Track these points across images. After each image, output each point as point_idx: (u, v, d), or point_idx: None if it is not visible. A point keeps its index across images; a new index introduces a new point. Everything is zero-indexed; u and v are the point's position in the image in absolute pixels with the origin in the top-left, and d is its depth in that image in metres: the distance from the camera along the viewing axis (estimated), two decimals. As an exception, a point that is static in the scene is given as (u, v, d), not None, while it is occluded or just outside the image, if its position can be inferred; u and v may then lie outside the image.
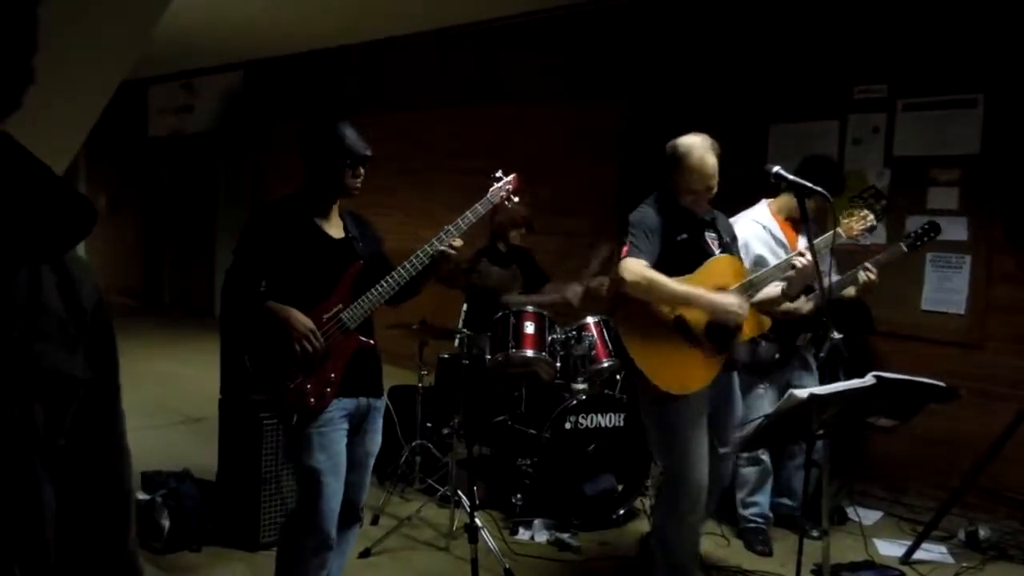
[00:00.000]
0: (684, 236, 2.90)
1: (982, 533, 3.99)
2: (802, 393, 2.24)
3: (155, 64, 8.81)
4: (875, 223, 3.36)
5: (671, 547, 2.97)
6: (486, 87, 6.88)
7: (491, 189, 2.81)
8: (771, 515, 3.91)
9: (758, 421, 2.63)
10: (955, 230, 4.55)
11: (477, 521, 3.17)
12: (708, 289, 2.85)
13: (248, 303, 2.56)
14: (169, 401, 5.44)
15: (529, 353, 3.91)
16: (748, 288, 2.94)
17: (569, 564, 3.57)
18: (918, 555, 3.76)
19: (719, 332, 2.88)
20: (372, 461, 2.75)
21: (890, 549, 3.86)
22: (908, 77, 4.63)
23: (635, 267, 2.77)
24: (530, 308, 4.03)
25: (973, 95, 4.43)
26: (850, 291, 3.63)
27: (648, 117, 5.61)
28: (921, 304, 4.59)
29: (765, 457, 3.85)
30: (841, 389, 2.26)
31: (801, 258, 2.92)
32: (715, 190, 2.96)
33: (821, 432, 2.45)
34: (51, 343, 1.01)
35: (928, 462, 4.58)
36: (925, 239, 3.60)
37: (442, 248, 2.63)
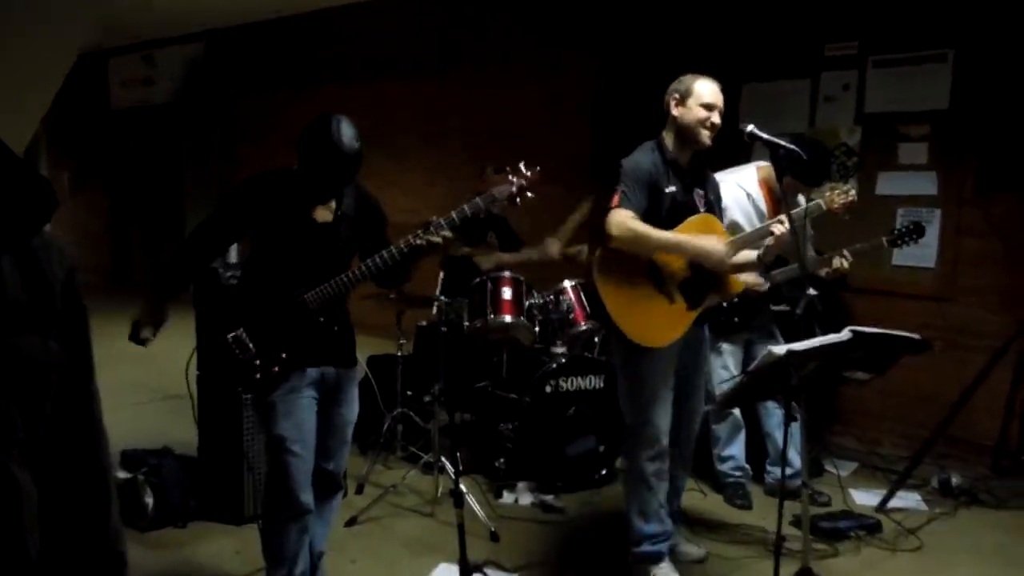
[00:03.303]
0: (673, 189, 2.87)
1: (954, 480, 4.09)
2: (780, 350, 2.26)
3: (114, 35, 8.60)
4: (855, 198, 3.33)
5: (632, 501, 3.02)
6: (456, 51, 6.80)
7: (499, 187, 2.61)
8: (748, 467, 3.98)
9: (737, 379, 2.66)
10: (925, 185, 4.61)
11: (462, 486, 3.20)
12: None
13: (190, 265, 2.64)
14: (146, 378, 5.39)
15: (507, 319, 3.91)
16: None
17: (554, 525, 3.62)
18: (893, 503, 3.85)
19: (693, 287, 2.90)
20: (350, 430, 2.76)
21: (865, 498, 3.95)
22: (878, 34, 4.64)
23: (623, 219, 2.74)
24: (507, 273, 4.03)
25: (943, 50, 4.46)
26: (821, 272, 3.69)
27: (620, 79, 5.59)
28: (892, 259, 4.65)
29: (735, 410, 3.89)
30: (818, 344, 2.29)
31: (780, 226, 2.94)
32: (717, 129, 2.89)
33: (798, 387, 2.49)
34: (18, 334, 0.99)
35: (900, 413, 4.68)
36: (908, 239, 3.66)
37: (431, 239, 2.53)
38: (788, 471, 3.93)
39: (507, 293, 3.95)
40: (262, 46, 8.45)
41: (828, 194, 3.24)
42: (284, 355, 2.53)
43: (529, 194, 2.60)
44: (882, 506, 3.84)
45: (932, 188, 4.59)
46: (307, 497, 2.59)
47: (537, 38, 6.23)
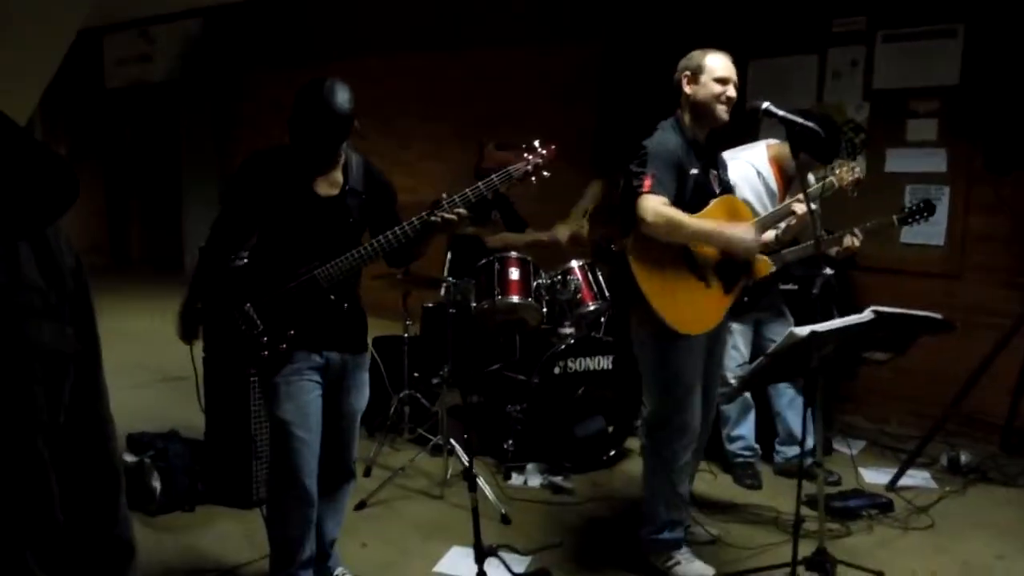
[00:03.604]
0: (695, 171, 2.79)
1: (963, 458, 4.08)
2: (803, 331, 2.23)
3: (110, 12, 8.46)
4: (862, 174, 3.29)
5: (657, 490, 2.97)
6: (458, 32, 6.71)
7: (515, 165, 2.50)
8: (757, 447, 3.97)
9: (757, 361, 2.64)
10: (934, 162, 4.58)
11: (464, 460, 3.18)
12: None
13: (218, 263, 2.58)
14: (148, 359, 5.36)
15: (515, 299, 3.88)
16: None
17: (565, 507, 3.61)
18: (903, 481, 3.85)
19: (727, 271, 2.84)
20: (359, 418, 2.71)
21: (875, 477, 3.94)
22: (887, 8, 4.58)
23: (656, 206, 2.62)
24: (514, 254, 3.99)
25: (953, 25, 4.40)
26: (831, 251, 3.66)
27: (624, 58, 5.51)
28: (901, 237, 4.62)
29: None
30: (841, 325, 2.26)
31: (800, 205, 2.90)
32: (733, 103, 2.82)
33: (818, 369, 2.46)
34: (40, 320, 0.97)
35: (908, 392, 4.67)
36: (918, 217, 3.59)
37: (446, 216, 2.46)
38: (798, 450, 3.94)
39: (515, 273, 3.91)
40: (262, 23, 8.35)
41: (838, 171, 3.20)
42: (292, 332, 2.47)
43: (545, 173, 2.51)
44: (892, 485, 3.84)
45: (942, 165, 4.55)
46: (311, 482, 2.54)
47: (539, 18, 6.15)
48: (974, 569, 3.10)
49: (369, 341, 2.73)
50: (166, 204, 9.70)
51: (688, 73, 2.80)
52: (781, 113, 2.79)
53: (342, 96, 2.39)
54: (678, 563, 2.94)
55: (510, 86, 6.32)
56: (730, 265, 2.85)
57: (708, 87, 2.77)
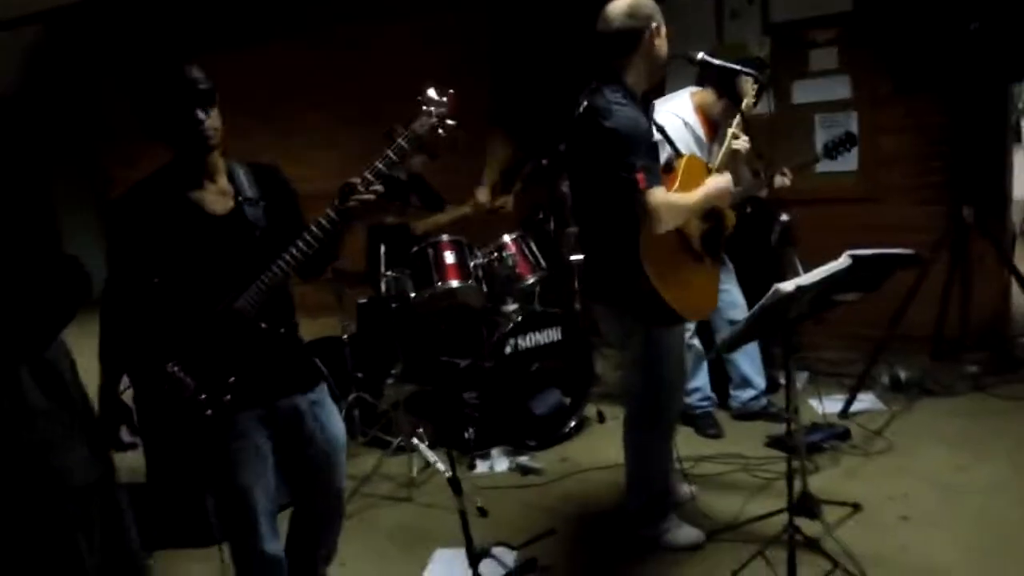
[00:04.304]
0: (654, 139, 2.64)
1: (902, 375, 4.23)
2: (788, 286, 2.19)
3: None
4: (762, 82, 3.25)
5: (650, 473, 2.90)
6: (340, 11, 6.36)
7: (418, 122, 2.19)
8: (714, 395, 3.99)
9: (740, 323, 2.60)
10: (839, 88, 4.65)
11: (440, 465, 3.05)
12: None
13: (123, 329, 2.16)
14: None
15: (455, 283, 3.73)
16: None
17: (537, 488, 3.53)
18: (853, 407, 3.95)
19: (711, 238, 2.75)
20: (341, 449, 2.42)
21: (825, 406, 4.02)
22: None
23: (662, 201, 2.43)
24: (446, 237, 3.83)
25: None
26: (761, 192, 3.67)
27: (515, 22, 5.34)
28: (816, 167, 4.68)
29: (695, 341, 3.87)
30: (824, 275, 2.23)
31: (739, 140, 2.85)
32: None
33: (797, 319, 2.44)
34: (62, 451, 0.85)
35: (839, 316, 4.75)
36: (841, 149, 3.66)
37: (363, 197, 2.13)
38: (752, 392, 4.00)
39: (450, 257, 3.76)
40: (111, 24, 7.68)
41: (745, 100, 3.14)
42: (232, 379, 2.13)
43: (450, 121, 2.20)
44: (844, 412, 3.93)
45: (846, 92, 4.63)
46: (273, 546, 2.29)
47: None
48: (940, 484, 3.21)
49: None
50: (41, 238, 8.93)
51: (655, 25, 2.58)
52: (718, 62, 2.73)
53: (193, 70, 2.07)
54: (667, 530, 2.91)
55: (397, 62, 6.05)
56: (712, 232, 2.76)
57: (665, 40, 2.61)
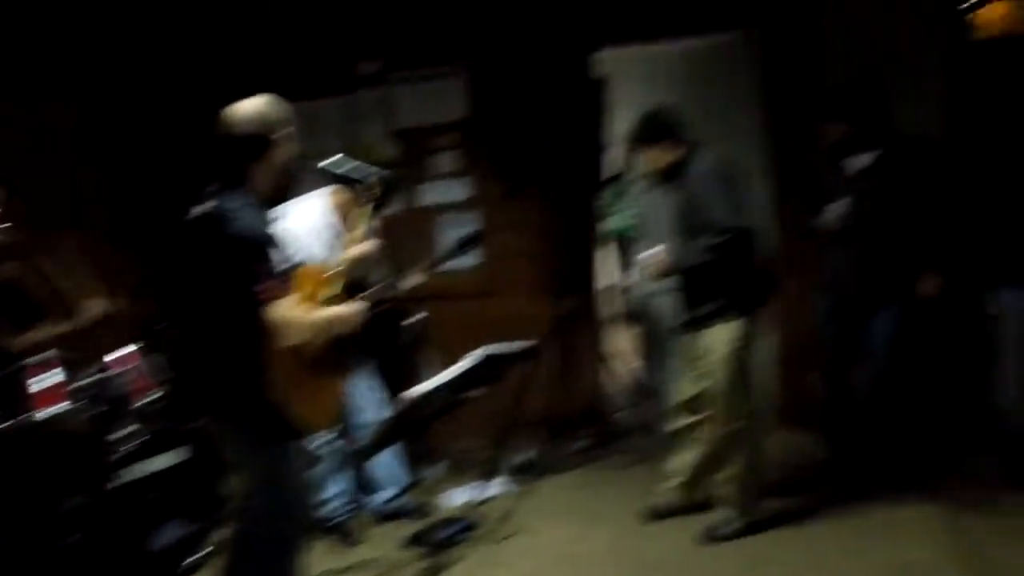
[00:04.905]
0: (279, 246, 2.54)
1: (525, 457, 4.55)
2: (422, 388, 2.23)
3: None
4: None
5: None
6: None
7: None
8: (359, 498, 3.95)
9: (377, 428, 2.59)
10: (461, 190, 5.01)
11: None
12: (318, 301, 2.59)
13: None
14: None
15: (49, 411, 3.25)
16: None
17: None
18: (485, 494, 4.15)
19: (337, 348, 2.66)
20: None
21: (460, 496, 4.17)
22: (401, 52, 4.87)
23: (287, 314, 2.35)
24: (34, 360, 3.33)
25: (458, 65, 4.85)
26: (397, 291, 3.78)
27: (118, 111, 4.97)
28: (444, 265, 4.94)
29: (336, 445, 3.79)
30: (456, 373, 2.32)
31: (362, 245, 2.90)
32: None
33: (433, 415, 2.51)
34: None
35: (469, 406, 5.02)
36: (468, 247, 3.96)
37: None
38: (393, 492, 4.02)
39: (43, 381, 3.28)
40: None
41: (371, 204, 3.16)
42: None
43: (6, 224, 1.98)
44: (477, 500, 4.11)
45: (467, 193, 5.00)
46: None
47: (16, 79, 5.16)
48: (564, 557, 3.49)
49: None
50: None
51: (283, 131, 2.52)
52: (343, 168, 2.77)
53: None
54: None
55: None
56: (337, 341, 2.69)
57: (292, 146, 2.55)
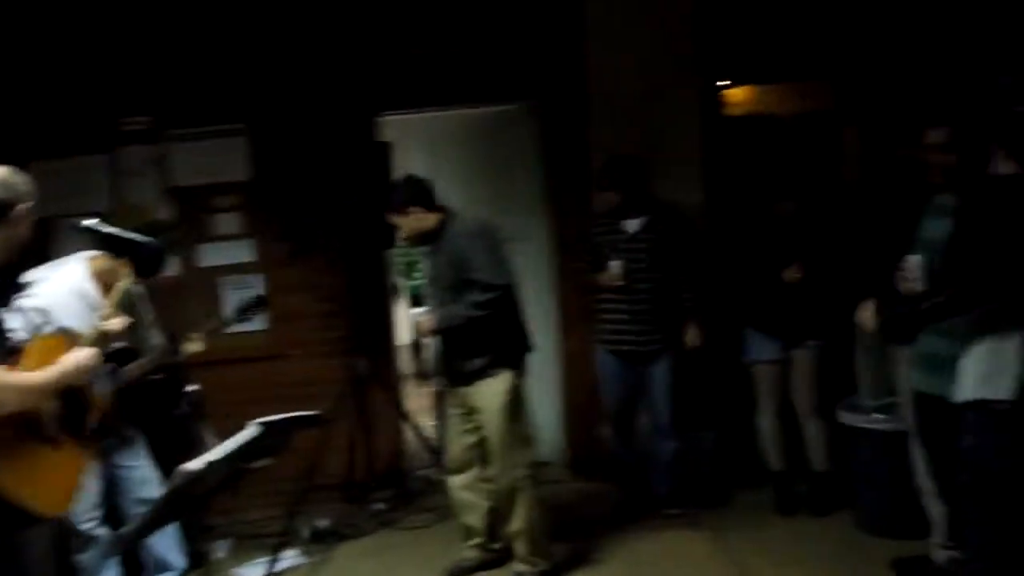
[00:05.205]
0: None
1: (320, 524, 4.38)
2: (195, 465, 2.09)
3: None
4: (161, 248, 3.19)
5: None
6: None
7: None
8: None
9: (146, 511, 2.38)
10: (244, 252, 4.82)
11: None
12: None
13: None
14: None
15: None
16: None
17: None
18: (277, 568, 3.94)
19: (72, 420, 2.47)
20: None
21: (250, 573, 3.95)
22: (176, 110, 4.68)
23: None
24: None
25: (237, 125, 4.71)
26: (174, 358, 3.60)
27: None
28: (227, 328, 4.72)
29: (100, 531, 3.46)
30: (233, 447, 2.21)
31: (117, 320, 2.72)
32: None
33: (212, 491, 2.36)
34: None
35: (258, 477, 4.76)
36: (252, 311, 3.92)
37: None
38: (172, 575, 3.71)
39: None
40: None
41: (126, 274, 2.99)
42: None
43: None
44: (269, 574, 3.90)
45: (251, 255, 4.82)
46: None
47: None
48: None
49: None
50: None
51: (22, 202, 2.37)
52: (107, 230, 2.61)
53: None
54: None
55: None
56: (72, 413, 2.50)
57: (30, 214, 2.39)
